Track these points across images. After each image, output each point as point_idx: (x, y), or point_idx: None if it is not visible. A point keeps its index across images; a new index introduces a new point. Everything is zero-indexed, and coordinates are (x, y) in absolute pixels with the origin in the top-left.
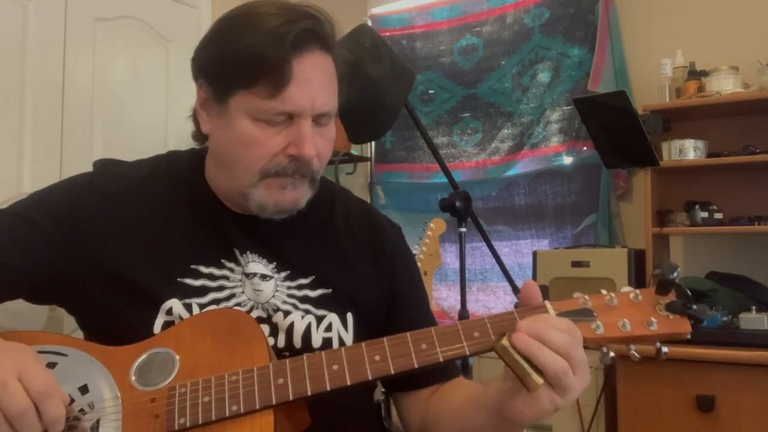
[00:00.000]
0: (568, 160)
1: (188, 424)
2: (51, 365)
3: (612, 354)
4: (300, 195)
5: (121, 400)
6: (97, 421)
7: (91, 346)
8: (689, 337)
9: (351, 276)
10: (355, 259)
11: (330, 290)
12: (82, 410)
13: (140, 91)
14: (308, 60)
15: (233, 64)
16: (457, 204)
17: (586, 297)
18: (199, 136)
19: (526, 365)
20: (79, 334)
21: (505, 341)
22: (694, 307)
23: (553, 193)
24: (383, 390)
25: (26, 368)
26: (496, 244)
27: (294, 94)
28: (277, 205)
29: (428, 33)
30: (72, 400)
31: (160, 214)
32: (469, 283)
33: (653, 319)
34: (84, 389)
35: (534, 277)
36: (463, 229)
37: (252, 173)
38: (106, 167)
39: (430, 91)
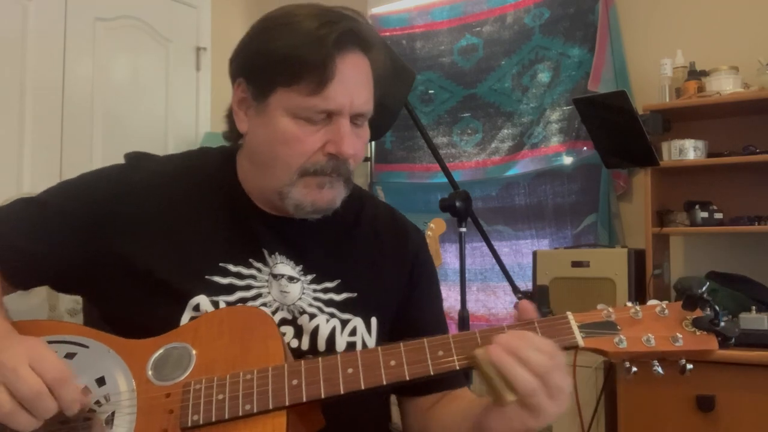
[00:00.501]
0: (568, 160)
1: (201, 421)
2: (70, 356)
3: (635, 369)
4: (336, 194)
5: (137, 393)
6: (112, 414)
7: (109, 337)
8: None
9: (376, 280)
10: (380, 262)
11: (355, 294)
12: (98, 402)
13: (140, 90)
14: (349, 59)
15: (276, 62)
16: (457, 204)
17: (610, 309)
18: (232, 135)
19: (498, 379)
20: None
21: (482, 351)
22: (722, 323)
23: (553, 193)
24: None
25: (37, 355)
26: (496, 244)
27: (335, 92)
28: (314, 204)
29: (428, 33)
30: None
31: (190, 210)
32: (469, 283)
33: (679, 334)
34: (101, 381)
35: (534, 277)
36: (463, 229)
37: (290, 171)
38: (138, 161)
39: (430, 91)
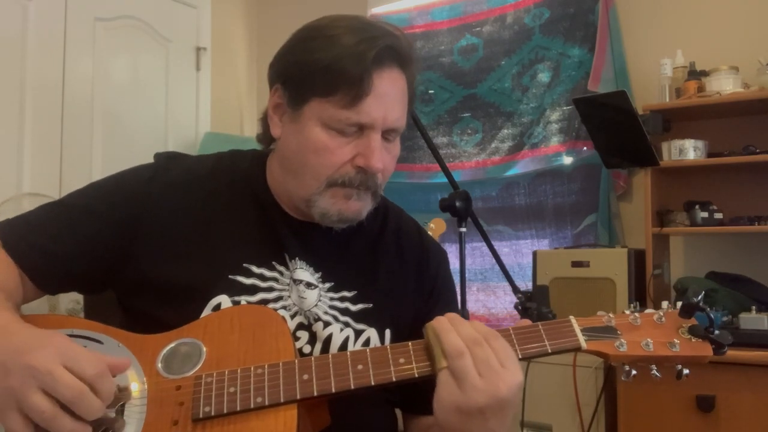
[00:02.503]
0: (568, 160)
1: (213, 413)
2: None
3: (634, 372)
4: (362, 206)
5: (147, 386)
6: (122, 405)
7: (118, 332)
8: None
9: (394, 293)
10: (400, 276)
11: (371, 305)
12: None
13: (140, 90)
14: (386, 76)
15: (314, 73)
16: (457, 204)
17: (611, 315)
18: (265, 139)
19: (438, 347)
20: None
21: (429, 323)
22: (717, 332)
23: (553, 193)
24: None
25: (69, 354)
26: (496, 244)
27: (369, 107)
28: (340, 214)
29: (428, 33)
30: None
31: (218, 209)
32: (469, 283)
33: (676, 340)
34: None
35: (534, 277)
36: (463, 229)
37: (319, 180)
38: (169, 160)
39: (430, 91)
